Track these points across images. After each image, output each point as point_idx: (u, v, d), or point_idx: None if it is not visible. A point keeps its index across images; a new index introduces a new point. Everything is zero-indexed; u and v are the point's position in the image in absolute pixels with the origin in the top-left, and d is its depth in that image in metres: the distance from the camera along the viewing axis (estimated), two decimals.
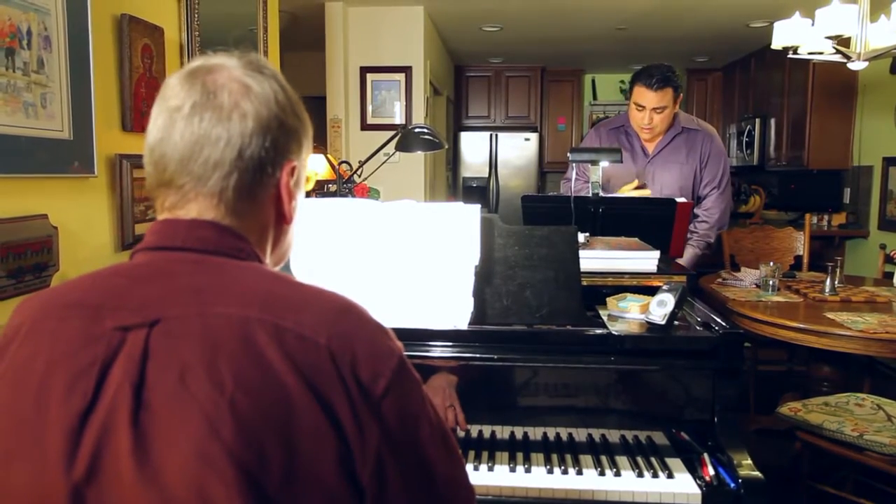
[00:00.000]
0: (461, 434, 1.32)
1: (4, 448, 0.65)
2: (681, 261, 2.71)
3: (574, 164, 2.68)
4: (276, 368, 0.63)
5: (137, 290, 0.68)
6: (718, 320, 1.38)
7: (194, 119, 0.70)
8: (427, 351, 1.31)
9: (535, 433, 1.34)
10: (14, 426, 0.65)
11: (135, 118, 1.84)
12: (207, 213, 0.72)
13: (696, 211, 2.76)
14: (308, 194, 0.88)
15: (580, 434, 1.34)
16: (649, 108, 2.59)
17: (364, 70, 4.66)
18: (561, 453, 1.31)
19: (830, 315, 2.38)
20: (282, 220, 0.78)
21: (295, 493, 0.62)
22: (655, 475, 1.25)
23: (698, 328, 1.40)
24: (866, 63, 2.68)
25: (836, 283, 2.73)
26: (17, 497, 0.64)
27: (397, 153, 2.49)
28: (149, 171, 0.74)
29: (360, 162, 2.70)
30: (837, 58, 2.72)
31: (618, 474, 1.25)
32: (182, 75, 0.74)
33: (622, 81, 7.11)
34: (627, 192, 2.60)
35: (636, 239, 1.83)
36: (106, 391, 0.63)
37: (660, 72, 2.56)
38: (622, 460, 1.29)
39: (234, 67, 0.74)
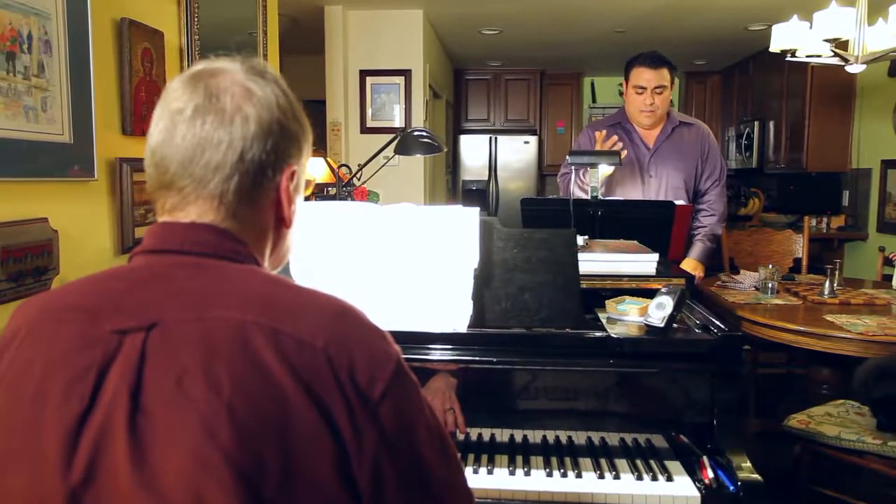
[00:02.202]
0: (461, 437, 1.32)
1: (2, 451, 0.66)
2: (693, 255, 2.72)
3: (572, 167, 2.68)
4: (274, 372, 0.63)
5: (135, 293, 0.68)
6: (717, 323, 1.39)
7: (196, 122, 0.71)
8: (426, 354, 1.32)
9: (535, 436, 1.34)
10: (11, 429, 0.65)
11: (135, 122, 1.85)
12: (207, 215, 0.72)
13: (698, 206, 2.77)
14: (307, 198, 0.88)
15: (579, 437, 1.34)
16: (650, 89, 2.63)
17: (363, 73, 4.67)
18: (560, 456, 1.31)
19: (829, 317, 2.38)
20: (281, 223, 0.78)
21: (292, 496, 0.62)
22: (655, 478, 1.25)
23: (697, 331, 1.41)
24: (864, 66, 2.69)
25: (835, 285, 2.73)
26: (14, 500, 0.64)
27: (397, 156, 2.49)
28: (150, 173, 0.74)
29: (359, 165, 2.70)
30: (835, 61, 2.73)
31: (617, 477, 1.25)
32: (185, 78, 0.74)
33: (621, 84, 7.12)
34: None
35: (635, 242, 1.83)
36: (103, 395, 0.63)
37: (655, 53, 2.67)
38: (621, 463, 1.30)
39: (237, 72, 0.74)
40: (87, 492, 0.62)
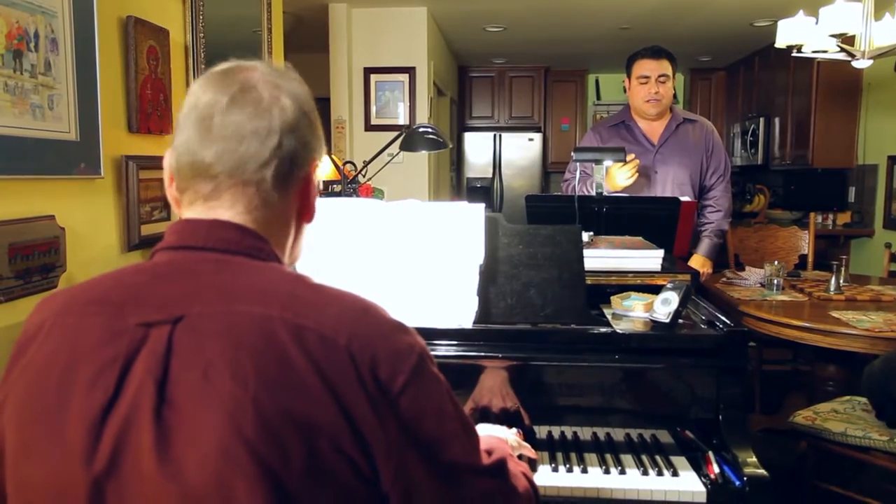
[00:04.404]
0: (531, 427, 1.32)
1: (24, 441, 0.67)
2: (701, 252, 2.73)
3: (577, 164, 2.69)
4: (298, 367, 0.63)
5: (160, 287, 0.69)
6: (723, 318, 1.38)
7: (234, 111, 0.73)
8: (432, 350, 1.31)
9: (540, 431, 1.34)
10: (35, 420, 0.66)
11: (140, 119, 1.85)
12: (239, 203, 0.73)
13: (704, 202, 2.77)
14: None
15: (585, 433, 1.34)
16: (654, 78, 2.66)
17: (368, 71, 4.67)
18: (566, 452, 1.31)
19: (835, 314, 2.37)
20: (303, 217, 0.80)
21: (316, 490, 0.63)
22: (660, 473, 1.25)
23: (703, 326, 1.41)
24: (871, 61, 2.68)
25: (841, 281, 2.73)
26: (36, 490, 0.65)
27: (401, 153, 2.49)
28: (180, 165, 0.74)
29: (364, 162, 2.70)
30: (842, 56, 2.72)
31: (623, 472, 1.25)
32: (212, 75, 0.76)
33: (624, 81, 7.09)
34: (622, 172, 2.54)
35: (640, 238, 1.83)
36: (128, 386, 0.64)
37: (655, 45, 2.72)
38: (627, 459, 1.30)
39: (265, 68, 0.77)
40: (110, 481, 0.63)
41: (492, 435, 1.06)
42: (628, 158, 2.54)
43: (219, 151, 0.72)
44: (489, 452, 0.79)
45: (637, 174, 2.52)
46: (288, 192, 0.76)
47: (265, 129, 0.73)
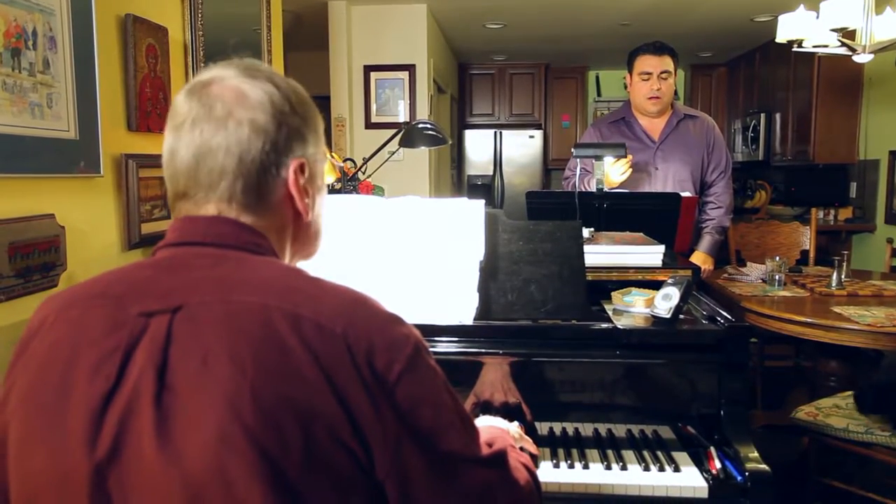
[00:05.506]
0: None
1: (27, 430, 0.68)
2: (702, 248, 2.72)
3: (577, 161, 2.68)
4: (296, 355, 0.64)
5: (160, 280, 0.71)
6: (724, 314, 1.38)
7: (195, 132, 0.73)
8: (432, 346, 1.31)
9: (542, 428, 1.34)
10: (37, 410, 0.67)
11: (140, 118, 1.85)
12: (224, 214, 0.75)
13: (705, 199, 2.76)
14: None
15: (586, 428, 1.34)
16: (656, 74, 2.64)
17: (368, 69, 4.66)
18: (567, 447, 1.31)
19: (837, 309, 2.37)
20: (299, 216, 0.80)
21: (313, 477, 0.63)
22: (662, 469, 1.25)
23: (704, 322, 1.40)
24: (872, 56, 2.67)
25: (843, 277, 2.72)
26: (39, 478, 0.66)
27: (402, 150, 2.49)
28: (167, 185, 0.78)
29: (364, 159, 2.70)
30: (843, 51, 2.71)
31: (624, 468, 1.25)
32: (184, 92, 0.77)
33: (625, 78, 7.07)
34: (615, 168, 2.48)
35: (641, 234, 1.83)
36: (129, 374, 0.65)
37: (657, 41, 2.69)
38: (628, 454, 1.29)
39: (230, 77, 0.76)
40: (112, 468, 0.64)
41: (493, 426, 1.06)
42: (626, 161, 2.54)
43: (187, 173, 0.74)
44: (489, 444, 0.79)
45: (631, 170, 2.50)
46: (267, 198, 0.76)
47: (223, 147, 0.73)
